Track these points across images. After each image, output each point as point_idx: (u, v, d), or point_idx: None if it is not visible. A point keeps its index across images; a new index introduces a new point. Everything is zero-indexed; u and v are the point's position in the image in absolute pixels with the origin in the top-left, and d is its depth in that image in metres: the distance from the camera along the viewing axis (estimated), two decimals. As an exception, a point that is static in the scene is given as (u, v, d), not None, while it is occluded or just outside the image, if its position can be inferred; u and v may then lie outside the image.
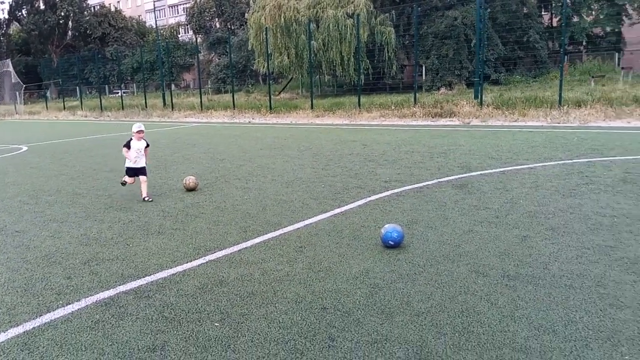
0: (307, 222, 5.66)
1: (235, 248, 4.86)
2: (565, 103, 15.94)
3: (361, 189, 7.15)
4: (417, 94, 20.80)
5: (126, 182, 7.25)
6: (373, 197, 6.61)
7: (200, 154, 11.72)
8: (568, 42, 34.03)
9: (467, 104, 17.85)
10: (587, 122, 13.70)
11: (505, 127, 13.99)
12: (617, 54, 32.93)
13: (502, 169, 7.99)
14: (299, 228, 5.44)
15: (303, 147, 11.98)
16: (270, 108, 23.16)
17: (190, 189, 7.50)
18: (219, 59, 51.14)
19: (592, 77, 25.47)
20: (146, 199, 6.98)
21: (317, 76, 36.52)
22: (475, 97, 18.63)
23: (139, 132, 7.03)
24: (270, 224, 5.63)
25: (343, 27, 29.13)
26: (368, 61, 30.41)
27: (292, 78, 36.24)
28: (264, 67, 30.55)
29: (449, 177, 7.64)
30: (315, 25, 29.83)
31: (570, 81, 25.45)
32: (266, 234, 5.27)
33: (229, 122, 20.93)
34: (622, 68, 28.09)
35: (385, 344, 3.02)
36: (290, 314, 3.46)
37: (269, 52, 28.26)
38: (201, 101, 27.77)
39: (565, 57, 33.24)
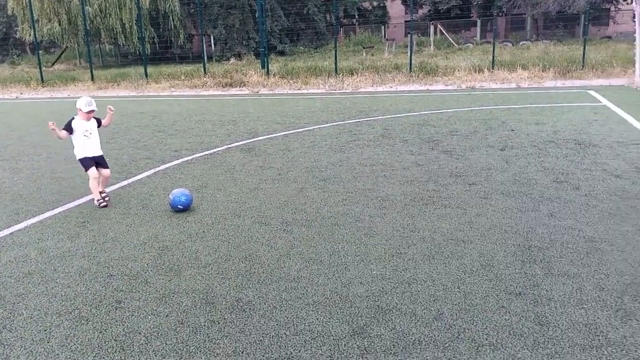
0: (90, 197, 5.40)
1: (6, 232, 4.45)
2: (340, 72, 17.58)
3: (150, 159, 7.03)
4: (207, 64, 20.65)
5: (102, 200, 5.07)
6: (162, 167, 6.59)
7: (-47, 135, 10.01)
8: (342, 15, 37.20)
9: (255, 73, 18.42)
10: (359, 88, 15.40)
11: (290, 94, 14.91)
12: (383, 26, 37.12)
13: (285, 133, 8.62)
14: (80, 204, 5.19)
15: (84, 121, 11.09)
16: (42, 81, 20.61)
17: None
18: (-30, 26, 43.08)
19: (364, 47, 28.37)
20: (103, 195, 5.12)
21: (97, 45, 33.58)
22: (263, 67, 19.32)
23: (90, 112, 5.06)
24: (47, 203, 5.24)
25: (121, -8, 27.12)
26: (153, 29, 28.99)
27: (66, 47, 32.58)
28: (30, 35, 26.81)
29: (238, 142, 7.97)
30: (89, -12, 27.17)
31: (345, 52, 27.99)
32: (43, 213, 4.91)
33: (-9, 99, 18.08)
34: (387, 39, 31.81)
35: (173, 297, 3.19)
36: (74, 286, 3.38)
37: (35, 18, 24.90)
38: (-51, 75, 23.29)
39: (341, 29, 36.33)
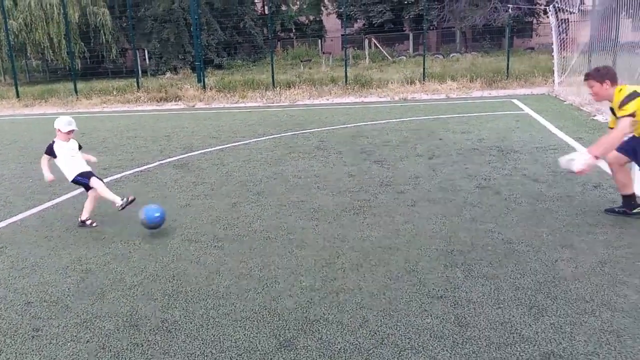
0: (10, 220, 5.15)
1: None
2: (278, 85, 17.64)
3: (76, 179, 6.76)
4: (142, 79, 20.18)
5: (86, 220, 4.86)
6: (90, 186, 6.34)
7: None
8: (280, 29, 37.44)
9: (191, 87, 18.16)
10: (296, 101, 15.51)
11: (227, 108, 14.80)
12: (320, 40, 37.65)
13: (221, 147, 8.54)
14: (-1, 228, 4.92)
15: (7, 141, 10.54)
16: (-38, 99, 19.42)
17: None
18: None
19: (302, 61, 28.66)
20: (123, 202, 4.73)
21: (23, 60, 32.04)
22: (199, 81, 19.08)
23: (70, 132, 4.77)
24: (-39, 228, 4.93)
25: (48, 6, 26.09)
26: (83, 44, 28.00)
27: (-11, 63, 30.86)
28: (-54, 50, 25.29)
29: (171, 158, 7.82)
30: (12, 1, 25.94)
31: (283, 65, 28.13)
32: (-45, 240, 4.61)
33: None
34: (324, 53, 32.29)
35: (95, 321, 3.08)
36: (-13, 316, 3.20)
37: (-48, 32, 23.48)
38: None
39: (278, 42, 36.55)
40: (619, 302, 3.02)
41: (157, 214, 4.50)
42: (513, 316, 2.92)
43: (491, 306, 3.03)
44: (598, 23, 12.58)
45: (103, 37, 28.37)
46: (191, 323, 3.01)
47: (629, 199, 4.35)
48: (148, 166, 7.34)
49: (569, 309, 2.96)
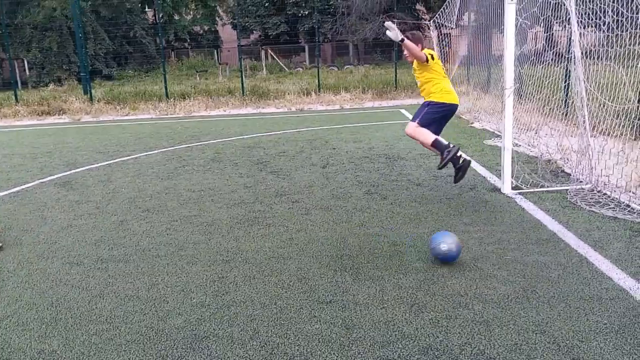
0: None
1: None
2: (172, 96, 17.14)
3: (-61, 203, 6.08)
4: (20, 91, 18.57)
5: None
6: (-45, 211, 5.74)
7: None
8: (174, 38, 36.44)
9: (77, 100, 17.10)
10: (191, 112, 15.18)
11: (116, 121, 14.12)
12: (215, 50, 37.19)
13: (108, 162, 8.12)
14: None
15: None
16: None
17: None
18: None
19: (197, 71, 28.08)
20: None
21: None
22: (85, 92, 18.02)
23: None
24: None
25: None
26: (-51, 53, 25.31)
27: None
28: None
29: (52, 176, 7.30)
30: None
31: (178, 75, 27.42)
32: None
33: None
34: (220, 63, 31.92)
35: (-42, 359, 2.80)
36: None
37: None
38: None
39: (173, 52, 35.57)
40: (489, 294, 3.30)
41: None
42: (396, 315, 3.08)
43: (376, 307, 3.18)
44: (473, 38, 13.72)
45: (-27, 46, 25.82)
46: (71, 351, 2.83)
47: (436, 144, 5.06)
48: (26, 186, 6.80)
49: (446, 304, 3.19)
